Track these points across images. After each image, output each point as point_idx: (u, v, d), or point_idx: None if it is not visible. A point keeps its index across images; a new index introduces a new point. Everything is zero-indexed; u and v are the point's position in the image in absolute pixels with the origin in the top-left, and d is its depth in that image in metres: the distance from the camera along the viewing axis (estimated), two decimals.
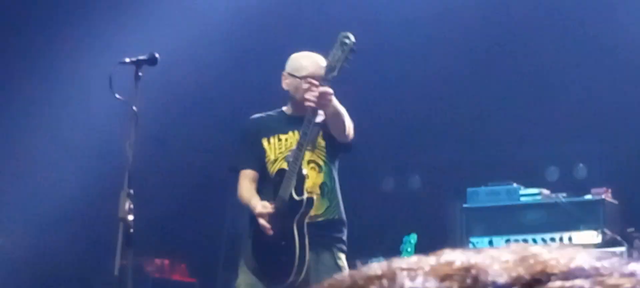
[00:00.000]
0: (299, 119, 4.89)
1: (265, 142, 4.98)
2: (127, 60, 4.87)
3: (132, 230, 4.76)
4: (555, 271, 0.47)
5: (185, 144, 6.31)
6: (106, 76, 4.94)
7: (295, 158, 4.83)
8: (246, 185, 4.94)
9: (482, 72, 6.62)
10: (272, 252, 4.85)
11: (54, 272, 6.80)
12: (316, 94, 4.56)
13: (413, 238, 5.14)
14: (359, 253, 5.17)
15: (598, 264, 0.47)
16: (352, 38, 4.62)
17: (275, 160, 4.90)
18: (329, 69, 4.60)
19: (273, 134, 4.98)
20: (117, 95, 4.86)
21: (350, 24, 6.07)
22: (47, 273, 6.73)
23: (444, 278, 0.47)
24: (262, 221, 4.82)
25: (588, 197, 5.61)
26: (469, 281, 0.46)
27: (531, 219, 5.64)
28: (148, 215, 5.26)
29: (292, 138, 4.93)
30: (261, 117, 5.08)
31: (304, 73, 4.85)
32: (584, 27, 6.53)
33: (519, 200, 5.74)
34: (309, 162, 4.89)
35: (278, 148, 4.97)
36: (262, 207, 4.84)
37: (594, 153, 6.31)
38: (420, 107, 6.53)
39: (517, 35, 6.65)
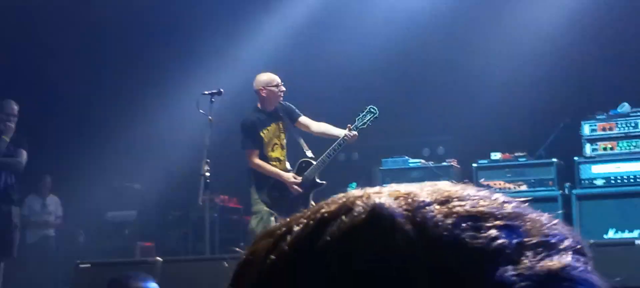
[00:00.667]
0: (270, 114, 6.74)
1: (262, 133, 6.78)
2: (206, 92, 7.30)
3: (208, 181, 7.07)
4: (455, 196, 0.63)
5: (236, 136, 8.16)
6: (195, 100, 7.46)
7: (324, 161, 6.54)
8: (261, 161, 6.71)
9: (394, 79, 9.15)
10: (289, 206, 6.31)
11: (168, 204, 9.72)
12: (355, 138, 6.50)
13: (353, 186, 7.54)
14: None
15: (477, 192, 0.65)
16: (376, 110, 6.53)
17: (268, 143, 6.81)
18: (358, 126, 6.53)
19: (263, 127, 6.78)
20: (201, 111, 7.24)
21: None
22: (162, 206, 9.69)
23: (396, 197, 0.63)
24: (295, 187, 6.54)
25: (445, 163, 8.34)
26: (409, 200, 0.62)
27: (414, 177, 7.97)
28: (216, 172, 7.23)
29: (272, 128, 6.78)
30: (253, 115, 6.80)
31: (275, 83, 6.79)
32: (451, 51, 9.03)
33: (408, 165, 8.29)
34: (282, 146, 6.81)
35: (267, 136, 6.81)
36: (293, 178, 6.61)
37: (448, 140, 9.19)
38: (357, 98, 8.41)
39: (419, 47, 9.15)
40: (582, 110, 8.30)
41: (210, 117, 7.21)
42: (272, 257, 0.64)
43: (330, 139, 6.81)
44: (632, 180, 7.82)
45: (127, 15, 10.36)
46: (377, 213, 0.62)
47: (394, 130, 8.77)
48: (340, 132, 6.68)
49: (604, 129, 8.08)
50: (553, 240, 0.63)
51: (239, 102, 8.38)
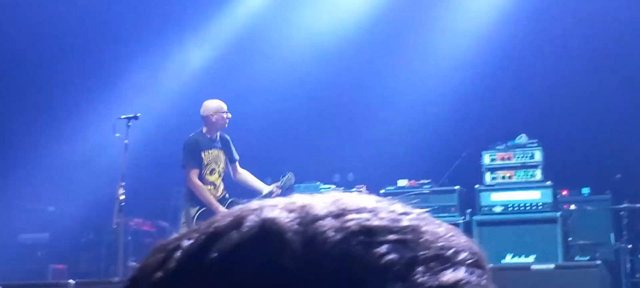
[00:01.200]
0: (214, 140, 7.05)
1: (203, 154, 7.08)
2: (123, 116, 7.44)
3: (123, 204, 7.27)
4: (351, 208, 0.61)
5: (151, 160, 9.06)
6: (111, 123, 7.59)
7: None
8: (201, 183, 6.95)
9: (307, 107, 9.52)
10: None
11: (82, 226, 9.77)
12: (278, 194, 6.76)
13: None
14: None
15: (376, 204, 0.62)
16: (294, 179, 7.04)
17: (207, 165, 7.09)
18: (285, 186, 7.02)
19: (205, 149, 7.09)
20: (117, 134, 7.45)
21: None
22: (76, 229, 9.70)
23: (291, 210, 0.60)
24: None
25: (354, 189, 8.37)
26: (303, 213, 0.60)
27: None
28: (131, 196, 7.46)
29: (213, 152, 7.11)
30: (197, 135, 7.10)
31: (224, 110, 7.16)
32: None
33: (319, 190, 8.14)
34: (219, 173, 7.11)
35: (207, 158, 7.12)
36: None
37: (358, 167, 9.48)
38: (270, 124, 9.20)
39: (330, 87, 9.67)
40: (483, 140, 8.67)
41: (126, 141, 7.35)
42: (159, 274, 0.61)
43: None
44: (528, 208, 8.19)
45: (44, 35, 10.35)
46: (266, 228, 0.60)
47: (306, 156, 8.99)
48: (262, 186, 7.13)
49: (503, 159, 8.44)
50: (448, 254, 0.61)
51: (157, 127, 8.62)
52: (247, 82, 10.09)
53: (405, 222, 0.62)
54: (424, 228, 0.62)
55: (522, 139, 8.55)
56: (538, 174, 8.31)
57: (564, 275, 7.35)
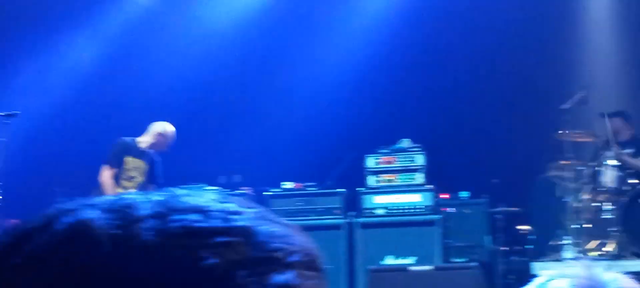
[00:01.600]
0: (145, 153, 7.22)
1: (126, 158, 7.24)
2: (1, 113, 7.23)
3: None
4: (180, 208, 0.57)
5: (33, 160, 9.06)
6: None
7: None
8: (110, 181, 7.09)
9: (193, 107, 9.67)
10: None
11: None
12: None
13: None
14: None
15: (211, 203, 0.59)
16: None
17: (127, 170, 7.22)
18: None
19: (132, 155, 7.27)
20: None
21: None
22: None
23: (110, 211, 0.58)
24: None
25: (240, 191, 8.57)
26: (123, 214, 0.57)
27: None
28: (9, 197, 7.41)
29: (139, 163, 7.28)
30: (129, 141, 7.28)
31: (170, 141, 7.39)
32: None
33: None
34: (137, 184, 7.18)
35: (129, 164, 7.27)
36: None
37: (244, 168, 9.44)
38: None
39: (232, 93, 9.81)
40: (367, 144, 8.84)
41: (3, 139, 7.21)
42: None
43: None
44: (409, 210, 8.41)
45: None
46: (76, 230, 0.57)
47: (191, 157, 8.91)
48: None
49: (386, 162, 8.64)
50: (279, 255, 0.59)
51: (42, 125, 8.57)
52: (132, 80, 10.01)
53: (237, 222, 0.59)
54: (257, 229, 0.59)
55: (405, 143, 8.77)
56: (419, 178, 8.53)
57: (442, 276, 7.61)
